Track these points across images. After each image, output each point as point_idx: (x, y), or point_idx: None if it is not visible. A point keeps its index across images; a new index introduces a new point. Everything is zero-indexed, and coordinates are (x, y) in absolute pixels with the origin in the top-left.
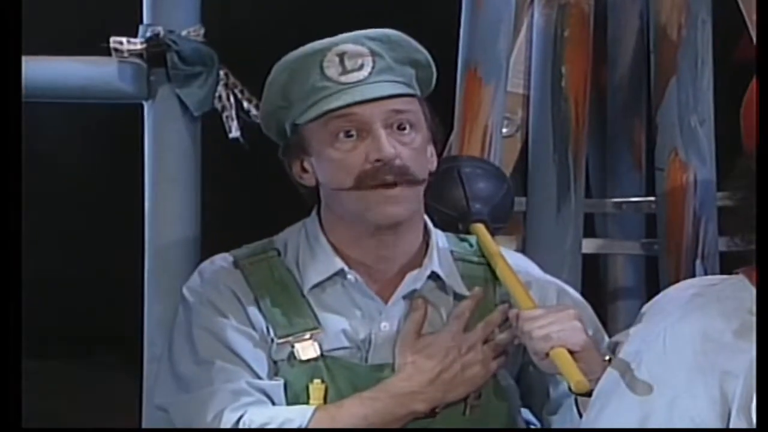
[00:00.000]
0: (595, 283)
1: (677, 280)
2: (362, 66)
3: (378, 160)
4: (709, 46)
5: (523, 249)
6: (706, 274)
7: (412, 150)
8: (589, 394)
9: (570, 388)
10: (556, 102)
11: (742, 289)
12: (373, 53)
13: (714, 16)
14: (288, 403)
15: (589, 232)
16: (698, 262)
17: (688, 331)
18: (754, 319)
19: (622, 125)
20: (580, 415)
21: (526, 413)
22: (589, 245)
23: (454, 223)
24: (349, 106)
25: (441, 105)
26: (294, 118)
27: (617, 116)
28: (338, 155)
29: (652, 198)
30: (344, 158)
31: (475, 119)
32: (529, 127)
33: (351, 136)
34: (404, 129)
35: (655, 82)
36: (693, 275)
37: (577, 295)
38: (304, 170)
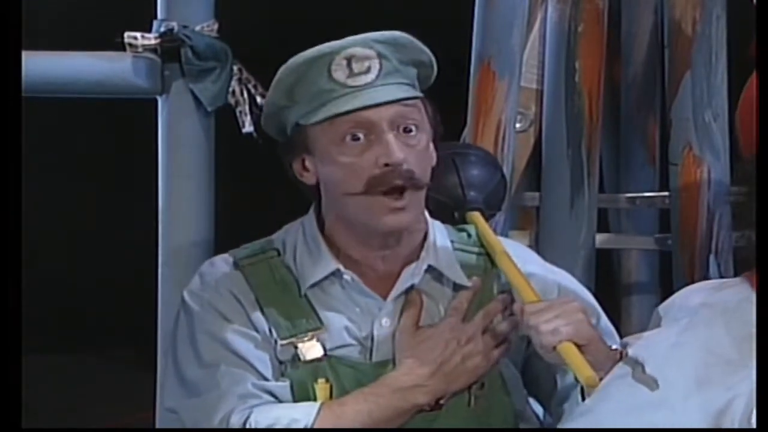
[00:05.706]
0: (608, 279)
1: (691, 275)
2: (369, 69)
3: (387, 165)
4: (724, 42)
5: (536, 244)
6: (719, 269)
7: (418, 152)
8: None
9: (577, 381)
10: (570, 97)
11: (746, 297)
12: (380, 56)
13: (728, 11)
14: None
15: (603, 227)
16: (712, 257)
17: (692, 344)
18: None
19: (635, 120)
20: None
21: (533, 403)
22: (602, 240)
23: (449, 210)
24: (357, 110)
25: (454, 100)
26: (297, 118)
27: (631, 111)
28: (347, 159)
29: (665, 193)
30: (354, 162)
31: (489, 114)
32: (543, 122)
33: (357, 139)
34: (410, 131)
35: (670, 77)
36: (706, 270)
37: (578, 284)
38: (305, 169)
